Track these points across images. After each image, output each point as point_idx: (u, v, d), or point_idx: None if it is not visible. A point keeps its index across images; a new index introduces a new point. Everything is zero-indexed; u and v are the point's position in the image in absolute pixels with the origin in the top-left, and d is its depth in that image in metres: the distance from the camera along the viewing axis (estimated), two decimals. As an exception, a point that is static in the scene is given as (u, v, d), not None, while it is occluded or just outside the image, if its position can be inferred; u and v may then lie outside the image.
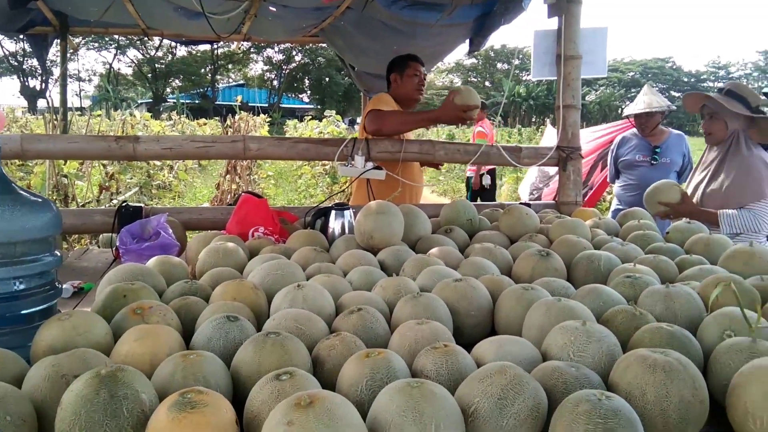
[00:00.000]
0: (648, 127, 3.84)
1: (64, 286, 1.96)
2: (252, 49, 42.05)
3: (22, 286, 1.36)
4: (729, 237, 2.20)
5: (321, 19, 4.24)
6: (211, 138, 2.75)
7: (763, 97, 2.76)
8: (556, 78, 3.08)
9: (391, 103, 3.27)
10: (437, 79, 54.17)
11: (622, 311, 1.34)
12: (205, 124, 18.93)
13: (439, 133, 21.88)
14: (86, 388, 0.95)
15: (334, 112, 11.47)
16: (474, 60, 56.84)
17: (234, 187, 7.60)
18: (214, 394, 0.96)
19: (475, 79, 57.85)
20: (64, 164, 5.70)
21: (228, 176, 7.78)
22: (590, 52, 2.97)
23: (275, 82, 45.95)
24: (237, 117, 9.62)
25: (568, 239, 2.02)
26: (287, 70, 44.74)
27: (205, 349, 1.19)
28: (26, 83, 35.00)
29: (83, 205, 6.01)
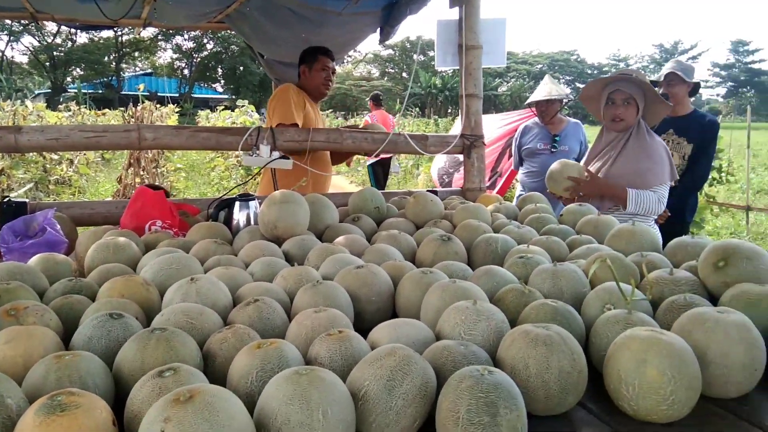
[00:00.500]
0: (548, 114, 4.03)
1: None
2: (160, 37, 40.13)
3: None
4: (627, 218, 2.33)
5: (226, 5, 4.10)
6: (101, 127, 2.58)
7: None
8: (458, 67, 3.15)
9: (294, 95, 3.24)
10: (355, 70, 54.10)
11: (513, 290, 1.39)
12: (104, 114, 17.67)
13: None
14: (-60, 398, 0.87)
15: (246, 102, 11.16)
16: (391, 51, 57.24)
17: (138, 180, 7.21)
18: (89, 395, 0.90)
19: (393, 70, 58.33)
20: (-56, 159, 5.20)
21: (131, 169, 7.36)
22: (490, 42, 3.06)
23: (186, 71, 44.12)
24: (140, 107, 9.12)
25: (469, 224, 2.07)
26: (198, 59, 43.07)
27: (85, 349, 1.12)
28: None
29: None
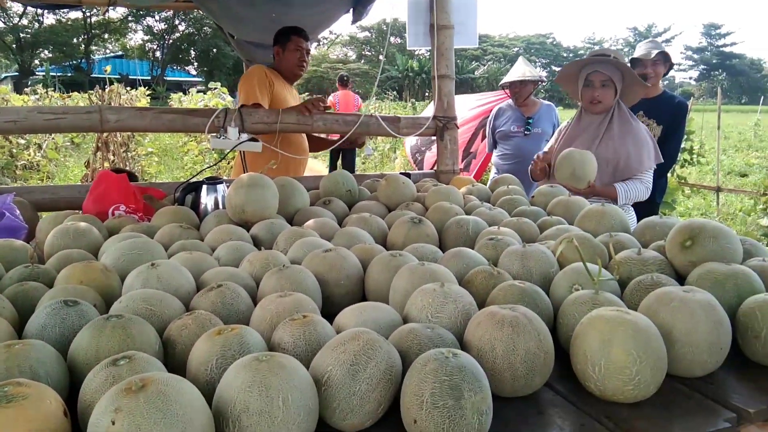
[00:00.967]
0: (522, 95, 4.02)
1: None
2: (130, 18, 39.05)
3: None
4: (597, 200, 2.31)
5: (193, -17, 3.98)
6: (61, 109, 2.48)
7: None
8: (430, 48, 3.11)
9: (260, 76, 3.17)
10: (331, 53, 53.49)
11: (482, 272, 1.37)
12: (69, 96, 17.10)
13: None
14: None
15: (219, 84, 10.96)
16: (367, 33, 56.70)
17: (107, 165, 7.03)
18: (37, 385, 0.86)
19: (369, 53, 57.84)
20: None
21: (99, 153, 7.16)
22: (461, 22, 3.03)
23: (158, 54, 43.12)
24: (107, 89, 8.87)
25: (441, 206, 2.06)
26: (170, 41, 42.09)
27: (38, 338, 1.08)
28: None
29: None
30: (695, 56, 74.17)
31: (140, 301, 1.20)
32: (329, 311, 1.37)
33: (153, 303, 1.20)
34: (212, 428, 0.84)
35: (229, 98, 11.16)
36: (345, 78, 10.27)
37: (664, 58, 3.50)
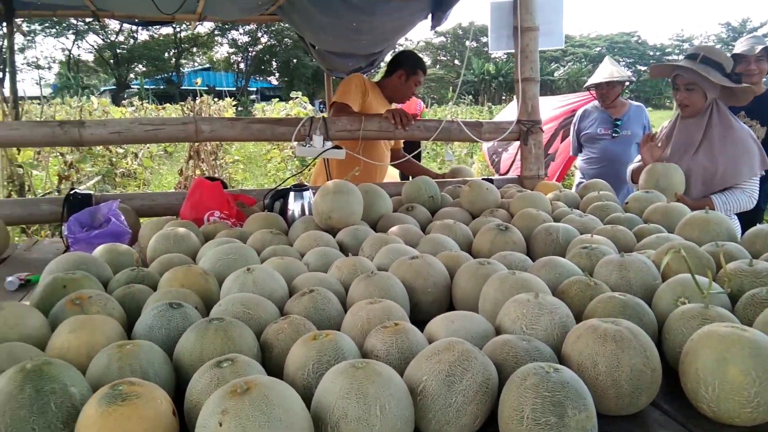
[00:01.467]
0: (609, 97, 3.85)
1: (9, 278, 1.88)
2: (216, 32, 41.08)
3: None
4: None
5: (277, -4, 4.11)
6: (160, 120, 2.64)
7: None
8: (513, 51, 3.04)
9: (357, 83, 3.26)
10: (407, 59, 53.64)
11: (577, 282, 1.32)
12: (164, 108, 18.22)
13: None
14: (10, 385, 0.90)
15: (300, 93, 11.26)
16: (443, 38, 56.56)
17: (198, 172, 7.40)
18: (149, 385, 0.91)
19: (445, 58, 57.68)
20: (18, 154, 5.48)
21: (191, 162, 7.56)
22: (547, 23, 2.94)
23: (242, 65, 45.07)
24: (198, 100, 9.34)
25: (527, 213, 2.00)
26: (254, 53, 43.88)
27: (146, 339, 1.14)
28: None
29: (42, 196, 5.80)
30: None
31: (238, 304, 1.24)
32: (416, 319, 1.36)
33: (250, 306, 1.24)
34: (311, 433, 0.85)
35: (310, 106, 11.44)
36: None
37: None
